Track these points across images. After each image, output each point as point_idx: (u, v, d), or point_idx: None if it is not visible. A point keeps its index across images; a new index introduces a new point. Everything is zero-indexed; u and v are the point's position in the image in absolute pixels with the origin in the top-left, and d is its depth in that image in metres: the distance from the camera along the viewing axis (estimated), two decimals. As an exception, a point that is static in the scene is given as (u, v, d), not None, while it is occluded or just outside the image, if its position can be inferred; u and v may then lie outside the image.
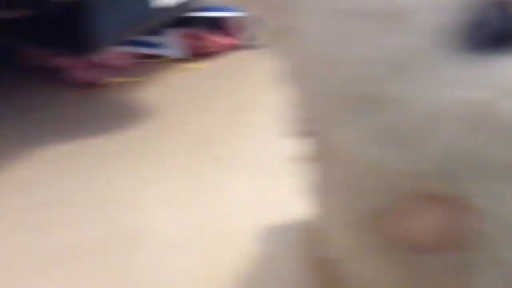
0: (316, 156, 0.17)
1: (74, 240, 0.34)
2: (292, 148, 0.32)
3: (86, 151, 0.45)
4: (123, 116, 0.51)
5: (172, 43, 0.56)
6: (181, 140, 0.46)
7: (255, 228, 0.33)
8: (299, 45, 0.18)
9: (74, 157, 0.44)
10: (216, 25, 0.62)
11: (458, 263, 0.14)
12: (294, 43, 0.18)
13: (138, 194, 0.39)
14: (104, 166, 0.43)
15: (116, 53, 0.59)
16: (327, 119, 0.15)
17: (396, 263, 0.15)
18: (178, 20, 0.53)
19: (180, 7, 0.51)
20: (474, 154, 0.12)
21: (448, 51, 0.13)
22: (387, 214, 0.14)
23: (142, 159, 0.43)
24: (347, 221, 0.15)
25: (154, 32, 0.53)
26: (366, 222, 0.14)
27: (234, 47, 0.67)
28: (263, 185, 0.36)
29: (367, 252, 0.15)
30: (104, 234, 0.34)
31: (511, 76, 0.13)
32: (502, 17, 0.14)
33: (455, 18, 0.13)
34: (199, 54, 0.65)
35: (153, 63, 0.62)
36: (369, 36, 0.14)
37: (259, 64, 0.62)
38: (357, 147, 0.14)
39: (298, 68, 0.18)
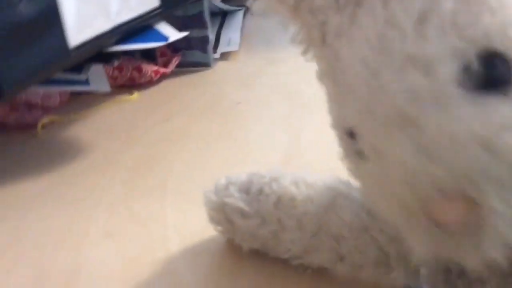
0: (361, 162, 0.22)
1: (10, 281, 0.32)
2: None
3: (16, 193, 0.43)
4: (55, 154, 0.50)
5: (98, 78, 0.55)
6: (115, 173, 0.45)
7: (193, 254, 0.33)
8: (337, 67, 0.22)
9: (4, 199, 0.42)
10: (144, 55, 0.62)
11: (471, 239, 0.19)
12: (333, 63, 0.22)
13: (74, 230, 0.38)
14: (38, 205, 0.41)
15: (44, 93, 0.58)
16: (374, 135, 0.20)
17: (431, 235, 0.20)
18: (103, 54, 0.52)
19: (100, 42, 0.50)
20: (483, 169, 0.18)
21: (463, 91, 0.18)
22: (426, 205, 0.19)
23: (76, 195, 0.42)
24: (397, 208, 0.20)
25: (78, 69, 0.52)
26: (412, 209, 0.19)
27: (164, 76, 0.68)
28: (198, 211, 0.35)
29: (412, 228, 0.20)
30: (40, 273, 0.33)
31: (505, 116, 0.18)
32: (502, 65, 0.18)
33: (467, 66, 0.18)
34: (129, 85, 0.66)
35: (83, 99, 0.62)
36: (400, 72, 0.19)
37: (189, 92, 0.63)
38: (398, 154, 0.19)
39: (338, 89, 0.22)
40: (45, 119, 0.56)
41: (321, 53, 0.23)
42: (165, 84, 0.67)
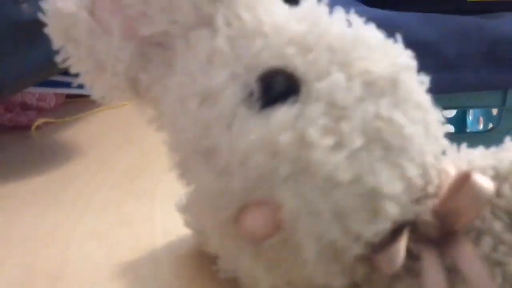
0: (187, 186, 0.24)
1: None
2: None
3: (7, 193, 0.43)
4: (48, 156, 0.50)
5: None
6: (105, 176, 0.46)
7: (180, 258, 0.34)
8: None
9: None
10: None
11: (285, 244, 0.20)
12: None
13: (61, 231, 0.38)
14: (26, 206, 0.41)
15: (40, 95, 0.59)
16: (188, 166, 0.23)
17: (250, 254, 0.21)
18: None
19: None
20: (272, 173, 0.19)
21: (250, 112, 0.20)
22: (233, 220, 0.20)
23: (66, 196, 0.43)
24: (211, 226, 0.22)
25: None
26: (222, 227, 0.21)
27: None
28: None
29: (231, 249, 0.22)
30: (28, 271, 0.33)
31: (280, 120, 0.20)
32: (281, 81, 0.21)
33: (248, 89, 0.21)
34: None
35: (79, 102, 0.62)
36: (196, 107, 0.22)
37: None
38: (205, 180, 0.21)
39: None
40: (39, 121, 0.56)
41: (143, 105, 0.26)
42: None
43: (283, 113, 0.20)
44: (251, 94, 0.20)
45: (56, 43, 0.27)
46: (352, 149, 0.19)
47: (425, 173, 0.22)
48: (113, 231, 0.37)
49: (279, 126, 0.19)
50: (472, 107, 0.83)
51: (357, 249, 0.20)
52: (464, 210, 0.21)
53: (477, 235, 0.21)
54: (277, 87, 0.20)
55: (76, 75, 0.55)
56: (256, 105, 0.20)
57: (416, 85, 0.22)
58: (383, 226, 0.20)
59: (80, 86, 0.58)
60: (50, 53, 0.47)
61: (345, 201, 0.19)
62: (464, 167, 0.23)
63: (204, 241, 0.32)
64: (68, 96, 0.63)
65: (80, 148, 0.52)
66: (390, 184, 0.20)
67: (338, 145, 0.19)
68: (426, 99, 0.22)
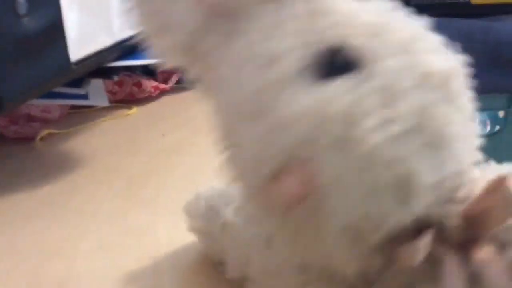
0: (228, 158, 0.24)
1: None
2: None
3: (14, 204, 0.43)
4: (53, 167, 0.50)
5: (97, 92, 0.56)
6: (110, 186, 0.46)
7: (183, 268, 0.34)
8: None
9: (1, 209, 0.43)
10: (144, 70, 0.63)
11: (312, 213, 0.20)
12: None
13: (67, 242, 0.38)
14: (32, 217, 0.41)
15: (44, 106, 0.59)
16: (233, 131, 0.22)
17: (278, 220, 0.21)
18: (103, 69, 0.53)
19: (101, 57, 0.51)
20: (317, 139, 0.20)
21: (305, 79, 0.21)
22: (267, 184, 0.20)
23: (71, 207, 0.43)
24: (248, 186, 0.22)
25: (79, 82, 0.53)
26: (258, 187, 0.21)
27: (164, 91, 0.69)
28: None
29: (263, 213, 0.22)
30: (33, 283, 0.33)
31: (333, 90, 0.20)
32: (343, 58, 0.21)
33: (310, 60, 0.21)
34: (129, 100, 0.66)
35: (82, 113, 0.63)
36: (257, 72, 0.22)
37: (188, 107, 0.64)
38: (251, 138, 0.21)
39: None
40: (44, 132, 0.56)
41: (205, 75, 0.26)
42: (164, 100, 0.67)
43: (337, 85, 0.20)
44: (311, 65, 0.21)
45: (126, 3, 0.26)
46: (397, 132, 0.20)
47: (459, 176, 0.22)
48: (119, 242, 0.37)
49: (331, 96, 0.20)
50: (478, 110, 0.83)
51: (380, 234, 0.20)
52: (495, 213, 0.21)
53: (501, 245, 0.21)
54: (338, 62, 0.21)
55: (79, 86, 0.55)
56: (314, 76, 0.21)
57: (465, 90, 0.23)
58: (410, 213, 0.20)
59: (84, 97, 0.59)
60: (53, 65, 0.48)
61: (380, 180, 0.20)
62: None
63: (209, 245, 0.33)
64: (72, 107, 0.63)
65: (84, 158, 0.52)
66: (427, 173, 0.20)
67: (385, 125, 0.20)
68: (470, 107, 0.23)
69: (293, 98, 0.20)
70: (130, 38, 0.54)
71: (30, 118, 0.59)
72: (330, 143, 0.20)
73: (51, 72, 0.46)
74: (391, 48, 0.21)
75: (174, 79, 0.70)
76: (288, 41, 0.21)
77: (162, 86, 0.68)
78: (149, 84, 0.67)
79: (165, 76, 0.70)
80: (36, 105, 0.59)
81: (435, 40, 0.23)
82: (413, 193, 0.20)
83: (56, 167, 0.50)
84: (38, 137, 0.55)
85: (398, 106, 0.20)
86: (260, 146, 0.21)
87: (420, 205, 0.20)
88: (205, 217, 0.32)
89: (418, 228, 0.21)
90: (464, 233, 0.22)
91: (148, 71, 0.65)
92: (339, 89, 0.20)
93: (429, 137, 0.20)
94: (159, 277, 0.33)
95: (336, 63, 0.21)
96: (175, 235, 0.36)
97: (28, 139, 0.56)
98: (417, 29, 0.23)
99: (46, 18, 0.43)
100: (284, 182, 0.20)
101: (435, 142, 0.20)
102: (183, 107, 0.64)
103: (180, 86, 0.70)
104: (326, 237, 0.21)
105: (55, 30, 0.45)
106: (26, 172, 0.50)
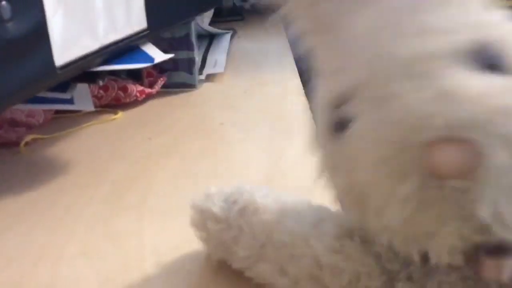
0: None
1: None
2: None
3: None
4: (38, 172, 0.50)
5: (82, 97, 0.56)
6: (96, 190, 0.46)
7: (169, 273, 0.33)
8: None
9: None
10: (129, 75, 0.62)
11: (466, 191, 0.19)
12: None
13: (52, 247, 0.37)
14: (16, 223, 0.41)
15: (29, 111, 0.59)
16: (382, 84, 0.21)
17: (425, 188, 0.20)
18: (88, 73, 0.53)
19: (86, 62, 0.50)
20: (487, 121, 0.19)
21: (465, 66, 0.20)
22: (421, 149, 0.19)
23: (56, 212, 0.42)
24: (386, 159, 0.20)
25: (64, 87, 0.53)
26: (407, 156, 0.20)
27: (149, 96, 0.69)
28: (176, 230, 0.36)
29: (394, 191, 0.21)
30: None
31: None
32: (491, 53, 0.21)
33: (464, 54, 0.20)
34: (114, 105, 0.66)
35: (68, 117, 0.62)
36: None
37: (174, 111, 0.64)
38: (409, 103, 0.20)
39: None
40: (28, 137, 0.56)
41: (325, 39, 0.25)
42: (150, 104, 0.67)
43: (503, 82, 0.20)
44: (468, 53, 0.20)
45: None
46: None
47: None
48: (103, 247, 0.37)
49: (504, 91, 0.19)
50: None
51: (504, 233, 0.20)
52: None
53: None
54: (491, 58, 0.20)
55: (64, 90, 0.55)
56: (470, 65, 0.20)
57: None
58: None
59: (69, 102, 0.58)
60: (37, 69, 0.48)
61: None
62: None
63: (206, 242, 0.33)
64: (57, 112, 0.63)
65: (70, 163, 0.52)
66: None
67: None
68: None
69: (462, 77, 0.20)
70: (116, 42, 0.54)
71: (14, 123, 0.58)
72: (500, 136, 0.19)
73: (35, 76, 0.45)
74: None
75: (160, 83, 0.70)
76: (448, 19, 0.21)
77: (148, 90, 0.68)
78: (135, 89, 0.67)
79: (151, 80, 0.70)
80: (21, 110, 0.58)
81: None
82: None
83: (41, 172, 0.50)
84: (23, 142, 0.55)
85: None
86: (425, 108, 0.19)
87: None
88: (219, 208, 0.32)
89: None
90: None
91: (134, 76, 0.65)
92: (507, 86, 0.19)
93: None
94: (145, 283, 0.33)
95: (489, 58, 0.20)
96: (161, 240, 0.36)
97: (12, 144, 0.56)
98: None
99: (30, 22, 0.43)
100: (443, 155, 0.19)
101: None
102: (168, 111, 0.64)
103: (166, 90, 0.70)
104: (467, 217, 0.20)
105: (39, 35, 0.45)
106: (10, 177, 0.49)
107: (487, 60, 0.20)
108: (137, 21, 0.57)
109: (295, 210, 0.29)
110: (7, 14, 0.41)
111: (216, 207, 0.32)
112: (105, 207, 0.42)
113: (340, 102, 0.22)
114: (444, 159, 0.19)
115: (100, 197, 0.44)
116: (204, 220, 0.33)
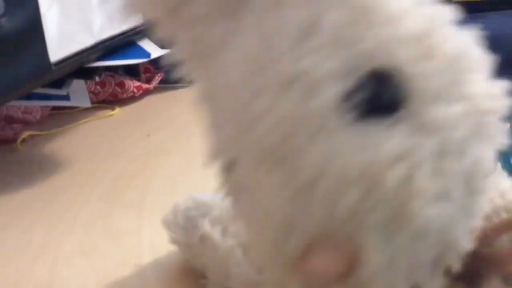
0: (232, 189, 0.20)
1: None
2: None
3: None
4: (35, 169, 0.50)
5: (79, 93, 0.56)
6: (93, 188, 0.45)
7: (166, 272, 0.33)
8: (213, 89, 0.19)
9: None
10: (126, 70, 0.62)
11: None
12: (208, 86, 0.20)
13: (49, 246, 0.37)
14: (13, 221, 0.41)
15: (25, 108, 0.59)
16: (247, 170, 0.17)
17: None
18: (85, 69, 0.52)
19: (82, 58, 0.50)
20: (365, 214, 0.15)
21: (345, 119, 0.15)
22: (300, 255, 0.16)
23: (54, 210, 0.42)
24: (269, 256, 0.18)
25: (60, 83, 0.52)
26: (285, 260, 0.17)
27: (147, 91, 0.69)
28: None
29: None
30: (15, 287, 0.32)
31: (392, 147, 0.15)
32: (391, 89, 0.16)
33: (349, 88, 0.15)
34: (111, 101, 0.66)
35: (64, 114, 0.62)
36: (277, 94, 0.16)
37: (171, 107, 0.63)
38: (276, 199, 0.16)
39: (213, 109, 0.19)
40: (25, 134, 0.55)
41: (200, 72, 0.20)
42: (148, 100, 0.67)
43: (395, 142, 0.15)
44: (349, 97, 0.15)
45: None
46: (453, 200, 0.16)
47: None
48: (100, 246, 0.36)
49: (387, 160, 0.15)
50: None
51: None
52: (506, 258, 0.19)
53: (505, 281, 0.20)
54: (385, 95, 0.15)
55: (60, 87, 0.55)
56: (351, 112, 0.15)
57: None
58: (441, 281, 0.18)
59: (66, 98, 0.58)
60: (32, 66, 0.47)
61: (423, 255, 0.17)
62: (496, 200, 0.21)
63: (191, 256, 0.32)
64: (54, 108, 0.62)
65: (67, 160, 0.51)
66: (464, 237, 0.17)
67: (443, 195, 0.16)
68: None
69: (332, 148, 0.15)
70: (111, 38, 0.54)
71: (11, 120, 0.58)
72: (383, 220, 0.15)
73: (30, 73, 0.45)
74: (446, 81, 0.16)
75: (157, 79, 0.70)
76: (327, 59, 0.15)
77: (145, 86, 0.67)
78: (132, 84, 0.66)
79: (149, 76, 0.70)
80: (17, 107, 0.58)
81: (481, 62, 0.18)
82: (449, 260, 0.17)
83: (38, 169, 0.50)
84: (20, 139, 0.54)
85: (456, 168, 0.16)
86: (288, 213, 0.16)
87: (452, 270, 0.18)
88: (184, 229, 0.31)
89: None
90: (469, 267, 0.19)
91: (131, 71, 0.65)
92: (395, 149, 0.15)
93: (471, 200, 0.17)
94: (143, 282, 0.32)
95: (381, 96, 0.15)
96: (159, 239, 0.36)
97: (9, 141, 0.55)
98: (468, 48, 0.17)
99: (24, 18, 0.43)
100: (317, 261, 0.16)
101: (473, 203, 0.17)
102: (166, 107, 0.63)
103: (164, 85, 0.70)
104: None
105: (33, 30, 0.44)
106: (8, 174, 0.49)
107: (387, 97, 0.15)
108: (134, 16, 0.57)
109: None
110: (0, 9, 0.40)
111: (180, 231, 0.31)
112: (103, 205, 0.42)
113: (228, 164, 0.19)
114: (320, 266, 0.16)
115: (98, 195, 0.44)
116: (172, 237, 0.32)
